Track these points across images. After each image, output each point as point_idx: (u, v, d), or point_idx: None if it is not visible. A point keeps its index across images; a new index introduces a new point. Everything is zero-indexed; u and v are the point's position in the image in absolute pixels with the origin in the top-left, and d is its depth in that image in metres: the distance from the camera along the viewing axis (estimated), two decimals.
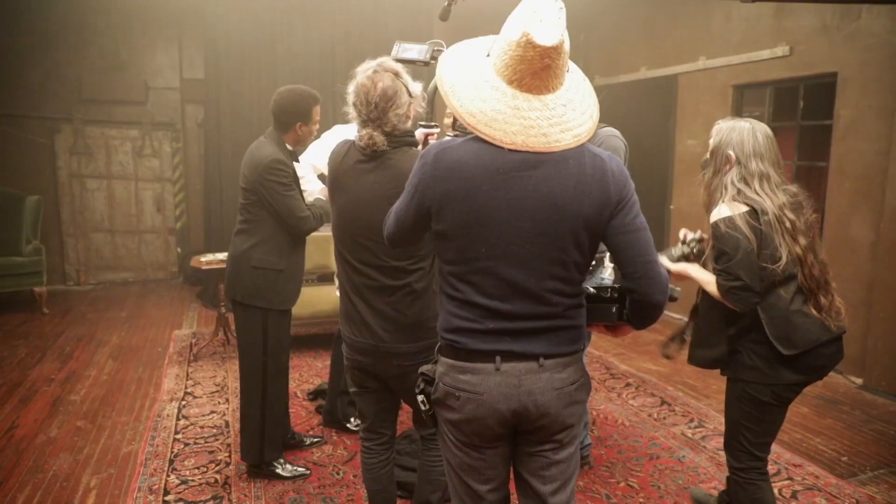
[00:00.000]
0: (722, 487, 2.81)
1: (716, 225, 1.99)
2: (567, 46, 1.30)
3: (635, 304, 1.42)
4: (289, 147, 2.71)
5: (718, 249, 1.99)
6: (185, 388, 3.95)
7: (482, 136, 1.33)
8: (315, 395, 3.78)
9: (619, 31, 6.06)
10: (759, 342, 2.02)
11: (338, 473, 2.92)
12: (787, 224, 1.97)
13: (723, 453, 2.39)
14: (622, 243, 1.36)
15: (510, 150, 1.32)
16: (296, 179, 2.66)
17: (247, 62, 5.89)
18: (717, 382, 4.12)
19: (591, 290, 1.48)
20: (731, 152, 2.05)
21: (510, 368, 1.39)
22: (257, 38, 5.94)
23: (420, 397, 1.52)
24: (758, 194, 1.99)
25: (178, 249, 7.10)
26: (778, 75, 4.58)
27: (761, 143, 2.04)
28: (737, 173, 2.03)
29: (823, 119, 4.40)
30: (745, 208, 1.97)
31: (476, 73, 1.36)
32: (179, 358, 4.53)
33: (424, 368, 1.54)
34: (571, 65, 1.40)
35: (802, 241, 1.98)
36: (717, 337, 2.12)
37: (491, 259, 1.36)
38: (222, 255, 4.66)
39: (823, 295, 2.04)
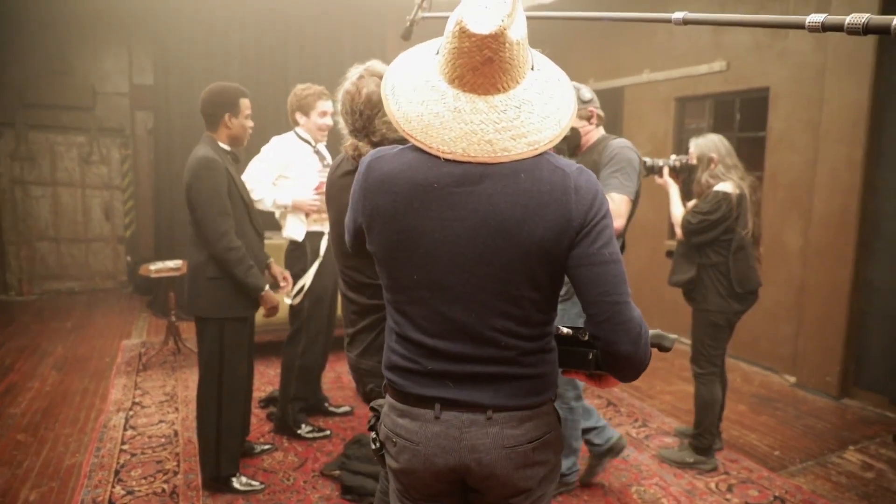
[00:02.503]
0: (662, 483, 2.93)
1: (716, 192, 2.87)
2: (517, 37, 1.07)
3: (602, 354, 1.15)
4: (225, 147, 2.70)
5: (706, 202, 2.88)
6: (133, 398, 3.88)
7: (417, 143, 1.13)
8: (267, 402, 3.77)
9: (567, 44, 6.23)
10: (720, 280, 2.92)
11: (288, 479, 2.93)
12: (754, 200, 2.93)
13: (664, 452, 3.19)
14: (584, 278, 1.10)
15: (448, 160, 1.10)
16: (234, 181, 2.63)
17: (197, 68, 5.83)
18: (660, 384, 4.28)
19: (565, 330, 1.22)
20: (713, 154, 2.94)
21: (451, 418, 1.18)
22: (208, 44, 5.89)
23: (371, 434, 1.34)
24: (737, 180, 2.89)
25: (128, 258, 6.95)
26: (716, 89, 4.81)
27: (727, 146, 2.97)
28: (721, 167, 2.93)
29: (758, 131, 4.64)
30: (738, 191, 2.85)
31: (419, 72, 1.16)
32: (128, 368, 4.44)
33: (376, 403, 1.36)
34: (542, 61, 1.19)
35: (758, 212, 2.96)
36: (689, 265, 3.00)
37: (425, 289, 1.16)
38: (172, 263, 4.60)
39: (757, 249, 2.98)
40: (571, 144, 2.59)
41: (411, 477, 1.24)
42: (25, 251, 6.57)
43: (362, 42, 6.36)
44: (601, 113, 2.64)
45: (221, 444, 2.76)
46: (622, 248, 2.50)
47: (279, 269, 3.01)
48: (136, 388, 4.06)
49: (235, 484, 2.80)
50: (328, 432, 3.40)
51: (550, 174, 1.11)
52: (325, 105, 3.25)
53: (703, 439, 3.05)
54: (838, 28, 0.87)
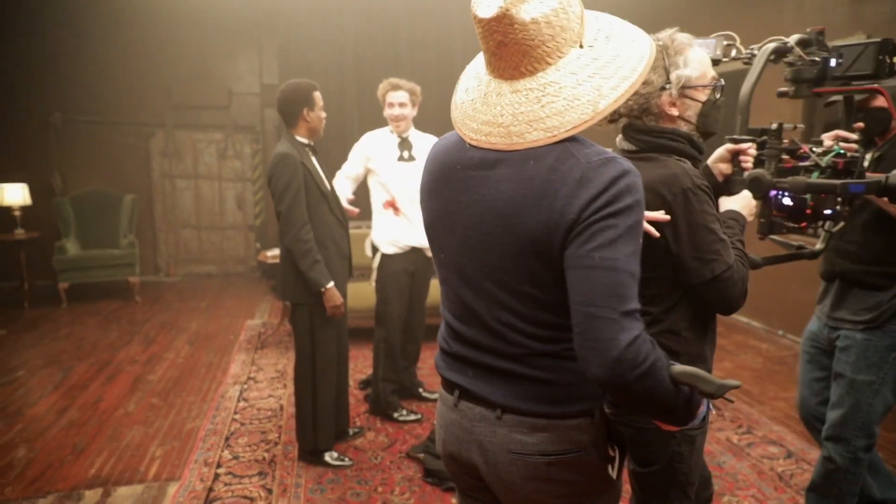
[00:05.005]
0: (760, 496, 2.73)
1: None
2: (533, 15, 0.98)
3: None
4: (304, 140, 2.84)
5: None
6: (249, 373, 4.26)
7: (456, 129, 1.15)
8: (365, 384, 3.96)
9: (685, 20, 5.87)
10: None
11: (376, 458, 3.07)
12: None
13: (766, 461, 2.82)
14: (569, 282, 0.99)
15: (472, 145, 1.10)
16: (310, 173, 2.77)
17: (316, 66, 6.20)
18: (773, 389, 3.95)
19: None
20: None
21: (466, 409, 1.16)
22: (325, 43, 6.24)
23: None
24: None
25: (257, 245, 7.56)
26: None
27: None
28: None
29: None
30: None
31: (477, 61, 1.16)
32: (248, 346, 4.86)
33: None
34: (601, 32, 1.05)
35: None
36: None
37: (447, 269, 1.17)
38: None
39: None
40: (876, 128, 2.11)
41: (445, 461, 1.26)
42: (172, 237, 7.38)
43: (473, 39, 6.38)
44: None
45: (318, 421, 2.95)
46: None
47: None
48: (253, 364, 4.44)
49: (327, 458, 2.99)
50: (420, 416, 3.51)
51: (561, 163, 1.00)
52: (393, 96, 3.32)
53: None
54: None
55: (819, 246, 2.02)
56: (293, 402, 3.69)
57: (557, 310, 1.04)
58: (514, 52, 1.01)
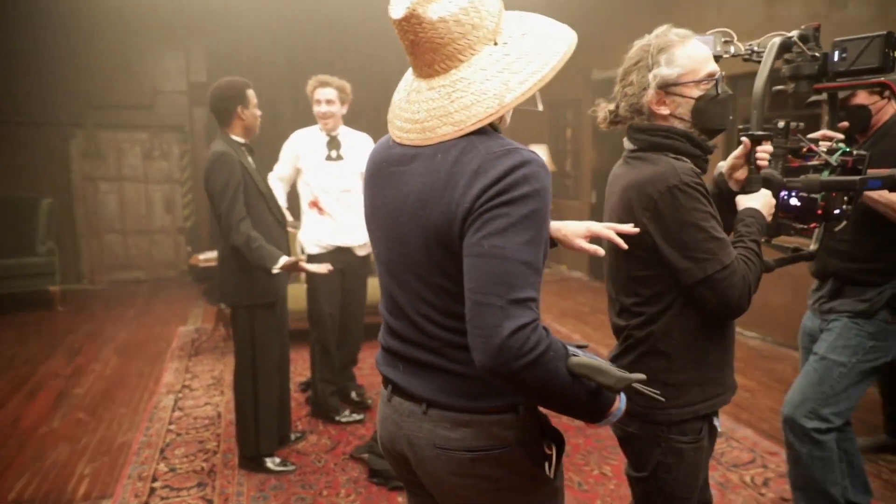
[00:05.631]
0: None
1: None
2: (442, 14, 1.01)
3: None
4: (239, 140, 2.77)
5: None
6: (184, 381, 4.10)
7: (388, 127, 1.19)
8: (306, 386, 3.90)
9: (614, 24, 6.07)
10: None
11: (319, 461, 3.03)
12: None
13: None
14: (465, 270, 0.99)
15: (395, 142, 1.15)
16: (249, 172, 2.71)
17: (246, 64, 6.03)
18: None
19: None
20: None
21: (397, 404, 1.18)
22: (255, 40, 6.09)
23: None
24: None
25: (188, 248, 7.29)
26: None
27: None
28: None
29: (815, 108, 4.37)
30: None
31: None
32: (181, 353, 4.68)
33: None
34: (519, 30, 1.07)
35: None
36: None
37: (378, 263, 1.20)
38: None
39: None
40: (857, 126, 2.14)
41: (386, 457, 1.27)
42: (96, 243, 7.02)
43: None
44: None
45: (260, 425, 2.88)
46: None
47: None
48: (187, 371, 4.28)
49: (269, 464, 2.92)
50: (362, 416, 3.48)
51: (464, 155, 1.02)
52: (320, 93, 3.26)
53: None
54: None
55: (813, 247, 1.94)
56: (231, 408, 3.59)
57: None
58: (426, 49, 1.05)
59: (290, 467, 2.94)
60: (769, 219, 1.51)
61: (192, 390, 3.96)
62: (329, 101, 3.26)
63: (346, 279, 3.42)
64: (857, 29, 3.91)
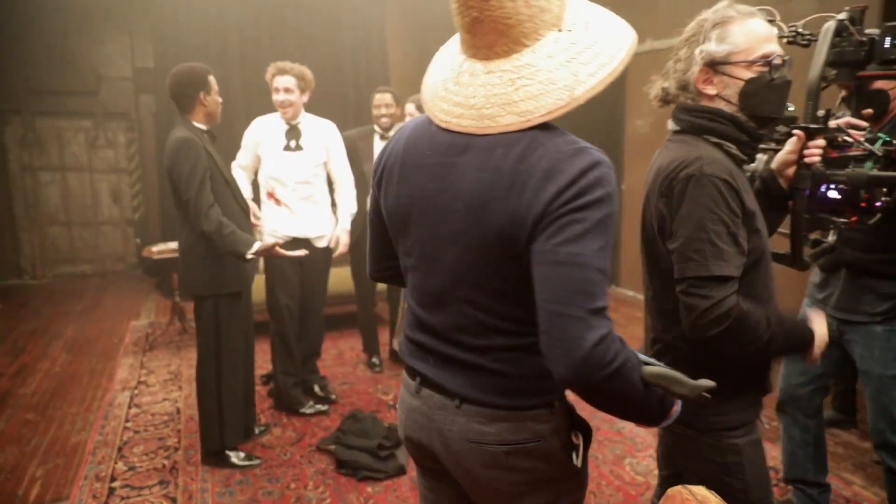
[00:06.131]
0: (657, 455, 2.93)
1: None
2: None
3: None
4: (201, 126, 2.70)
5: None
6: (139, 377, 3.97)
7: (426, 110, 1.10)
8: (268, 378, 3.83)
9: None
10: None
11: (285, 454, 2.98)
12: None
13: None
14: (536, 278, 0.94)
15: (443, 129, 1.06)
16: (213, 159, 2.64)
17: (196, 49, 5.81)
18: None
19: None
20: None
21: (427, 397, 1.15)
22: (205, 24, 5.87)
23: None
24: None
25: (137, 240, 7.04)
26: None
27: None
28: None
29: None
30: None
31: (454, 40, 1.11)
32: (135, 348, 4.53)
33: None
34: (580, 18, 1.02)
35: None
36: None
37: (414, 258, 1.13)
38: (175, 244, 4.64)
39: None
40: (875, 112, 1.99)
41: (407, 445, 1.25)
42: (37, 236, 6.69)
43: (361, 18, 6.30)
44: None
45: (224, 418, 2.82)
46: None
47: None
48: (142, 367, 4.15)
49: (234, 459, 2.86)
50: (326, 407, 3.45)
51: (530, 152, 0.95)
52: (279, 81, 3.17)
53: None
54: None
55: (832, 238, 1.85)
56: (191, 404, 3.51)
57: (522, 304, 1.00)
58: (488, 30, 0.98)
59: (256, 461, 2.89)
60: (817, 352, 1.36)
61: (148, 386, 3.83)
62: (287, 90, 3.17)
63: (305, 271, 3.36)
64: (814, 16, 3.98)
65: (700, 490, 0.99)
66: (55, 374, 4.05)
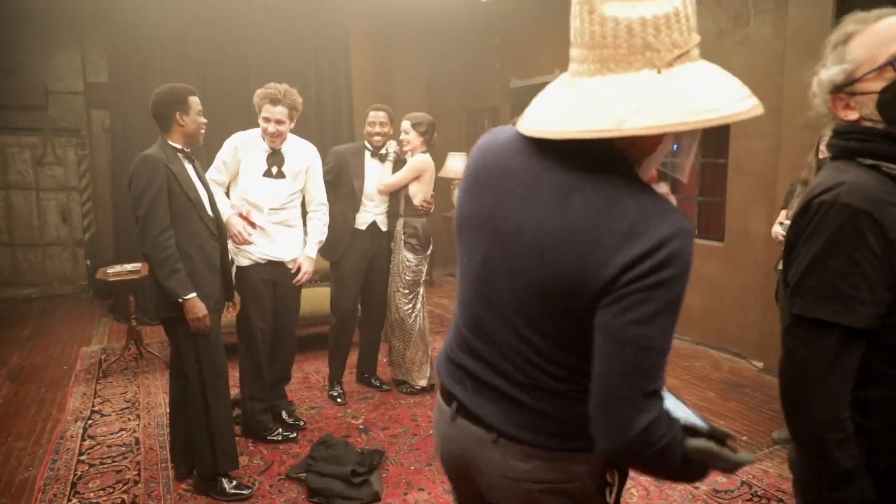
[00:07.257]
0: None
1: None
2: (622, 14, 0.90)
3: None
4: (177, 146, 2.62)
5: None
6: (93, 406, 3.75)
7: (520, 122, 1.05)
8: (234, 404, 3.66)
9: (533, 34, 6.20)
10: None
11: (253, 484, 2.84)
12: None
13: None
14: (598, 346, 0.91)
15: (525, 141, 1.02)
16: (177, 179, 2.54)
17: (154, 66, 5.66)
18: None
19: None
20: None
21: (464, 427, 1.12)
22: (164, 41, 5.72)
23: None
24: None
25: (88, 262, 6.73)
26: None
27: None
28: None
29: None
30: None
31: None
32: (87, 376, 4.29)
33: None
34: (690, 70, 0.92)
35: None
36: None
37: (470, 277, 1.09)
38: (131, 266, 4.46)
39: None
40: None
41: (444, 468, 1.24)
42: None
43: (324, 39, 6.25)
44: None
45: (216, 442, 2.69)
46: None
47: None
48: (96, 395, 3.92)
49: (225, 486, 2.72)
50: (295, 434, 3.32)
51: (612, 207, 0.90)
52: (270, 111, 3.06)
53: None
54: None
55: None
56: (150, 433, 3.33)
57: (575, 352, 0.98)
58: (594, 45, 0.93)
59: (246, 491, 2.74)
60: None
61: (103, 415, 3.62)
62: (279, 122, 3.06)
63: (278, 292, 3.25)
64: (760, 44, 4.12)
65: None
66: None
